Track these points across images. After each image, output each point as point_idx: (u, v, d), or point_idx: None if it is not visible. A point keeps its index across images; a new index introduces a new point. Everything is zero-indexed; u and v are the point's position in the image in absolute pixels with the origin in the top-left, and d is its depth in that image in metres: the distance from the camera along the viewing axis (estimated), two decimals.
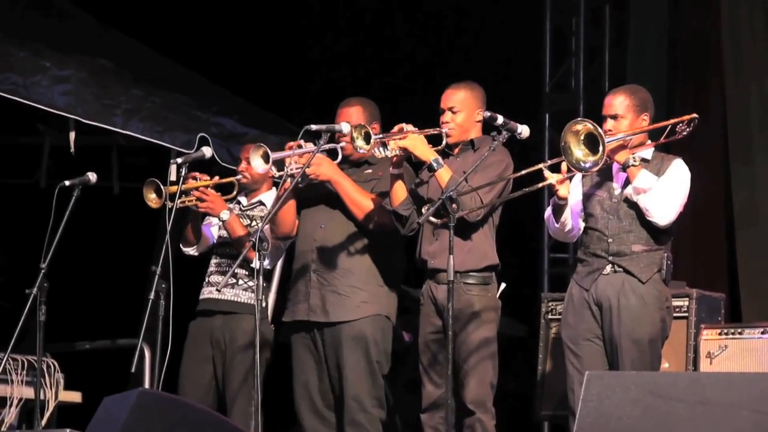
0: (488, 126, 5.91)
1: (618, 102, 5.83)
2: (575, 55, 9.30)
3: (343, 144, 6.06)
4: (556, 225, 5.88)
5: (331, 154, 6.17)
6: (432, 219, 5.63)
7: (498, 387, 5.99)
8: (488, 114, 5.82)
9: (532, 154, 8.06)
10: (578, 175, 5.85)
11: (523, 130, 5.79)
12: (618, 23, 9.25)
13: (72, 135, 7.35)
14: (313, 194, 6.22)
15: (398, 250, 6.19)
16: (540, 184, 5.71)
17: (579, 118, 5.59)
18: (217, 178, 6.57)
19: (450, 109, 6.04)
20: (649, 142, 5.89)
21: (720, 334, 6.77)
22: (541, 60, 9.35)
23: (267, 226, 6.02)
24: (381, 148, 5.88)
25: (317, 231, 6.19)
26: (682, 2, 8.95)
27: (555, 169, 5.71)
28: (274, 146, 6.24)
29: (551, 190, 5.75)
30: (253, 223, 6.56)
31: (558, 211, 5.83)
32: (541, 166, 5.72)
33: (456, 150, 6.07)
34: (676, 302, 6.85)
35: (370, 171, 6.23)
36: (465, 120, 6.05)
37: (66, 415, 6.92)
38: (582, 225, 5.93)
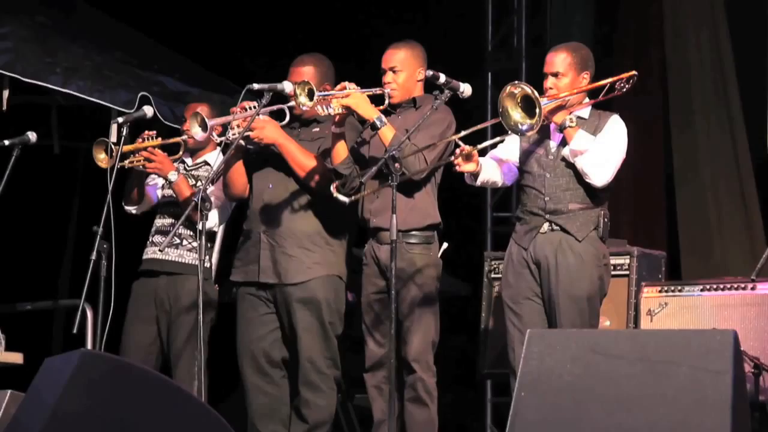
0: (430, 85, 5.90)
1: (559, 60, 5.82)
2: (517, 13, 9.29)
3: (292, 103, 6.04)
4: (477, 184, 5.91)
5: (280, 113, 6.14)
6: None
7: (440, 345, 6.01)
8: (430, 73, 5.81)
9: (475, 113, 8.08)
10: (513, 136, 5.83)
11: (465, 89, 5.80)
12: None
13: (5, 93, 7.27)
14: (262, 155, 6.20)
15: (346, 210, 6.19)
16: (452, 158, 5.72)
17: (515, 81, 5.58)
18: (161, 138, 6.53)
19: (391, 69, 6.03)
20: (587, 100, 5.89)
21: (660, 291, 6.83)
22: (483, 18, 9.34)
23: (210, 187, 5.99)
24: (324, 107, 5.87)
25: (266, 192, 6.18)
26: None
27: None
28: (217, 105, 6.21)
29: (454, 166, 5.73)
30: (198, 183, 6.53)
31: (474, 177, 5.84)
32: (455, 137, 5.72)
33: (398, 109, 6.06)
34: (617, 260, 6.92)
35: (317, 129, 6.22)
36: (406, 80, 6.04)
37: (7, 376, 6.87)
38: (511, 178, 5.95)
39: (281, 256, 6.08)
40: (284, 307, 6.09)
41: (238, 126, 5.95)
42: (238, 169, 6.19)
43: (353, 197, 5.77)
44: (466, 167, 5.74)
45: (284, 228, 6.11)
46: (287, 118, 6.14)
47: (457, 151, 5.69)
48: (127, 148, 6.14)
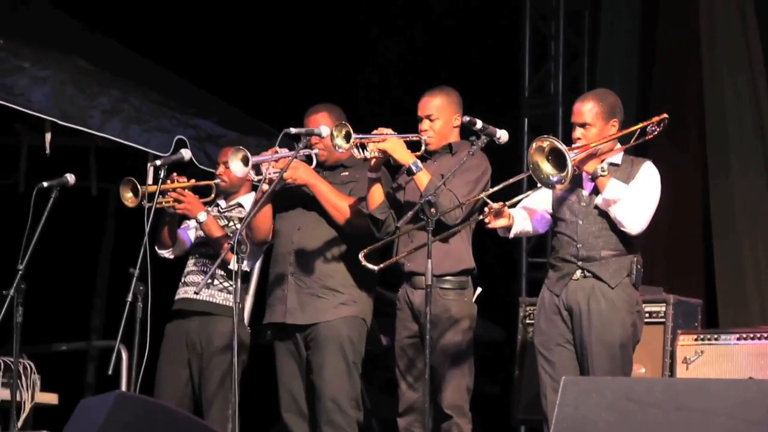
0: (466, 130, 5.91)
1: (586, 110, 5.81)
2: (554, 59, 9.31)
3: (317, 150, 6.08)
4: (510, 236, 5.91)
5: (307, 160, 6.19)
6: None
7: (475, 391, 6.00)
8: (467, 119, 5.83)
9: (512, 159, 8.09)
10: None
11: (502, 135, 5.81)
12: (597, 27, 9.28)
13: (48, 136, 7.33)
14: (290, 198, 6.22)
15: (377, 253, 6.20)
16: (481, 217, 5.76)
17: (543, 135, 5.58)
18: (193, 180, 6.57)
19: (428, 116, 6.06)
20: (619, 146, 5.88)
21: (696, 339, 6.79)
22: (520, 64, 9.37)
23: (245, 231, 6.02)
24: (360, 150, 5.89)
25: (294, 234, 6.20)
26: (655, 8, 8.99)
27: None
28: (253, 148, 6.24)
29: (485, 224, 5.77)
30: (231, 223, 6.56)
31: (506, 231, 5.85)
32: (482, 196, 5.75)
33: (434, 155, 6.08)
34: (653, 308, 6.89)
35: (346, 174, 6.25)
36: (443, 127, 6.06)
37: (42, 417, 6.90)
38: (543, 225, 5.94)
39: (308, 297, 6.11)
40: (310, 346, 6.10)
41: (272, 167, 5.98)
42: (266, 213, 6.22)
43: (382, 265, 5.75)
44: (498, 223, 5.75)
45: (312, 270, 6.14)
46: (314, 163, 6.17)
47: (486, 209, 5.69)
48: (154, 188, 6.18)
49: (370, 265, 5.75)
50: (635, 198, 5.71)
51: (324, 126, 5.98)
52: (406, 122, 6.12)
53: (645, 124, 5.81)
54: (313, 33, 9.80)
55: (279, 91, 9.57)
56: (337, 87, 6.41)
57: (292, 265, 6.17)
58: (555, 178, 5.49)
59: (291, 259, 6.18)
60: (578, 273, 5.76)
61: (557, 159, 5.48)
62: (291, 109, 6.49)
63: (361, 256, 5.76)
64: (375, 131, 5.93)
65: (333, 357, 6.05)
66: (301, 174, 6.10)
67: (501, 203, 5.71)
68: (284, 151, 6.01)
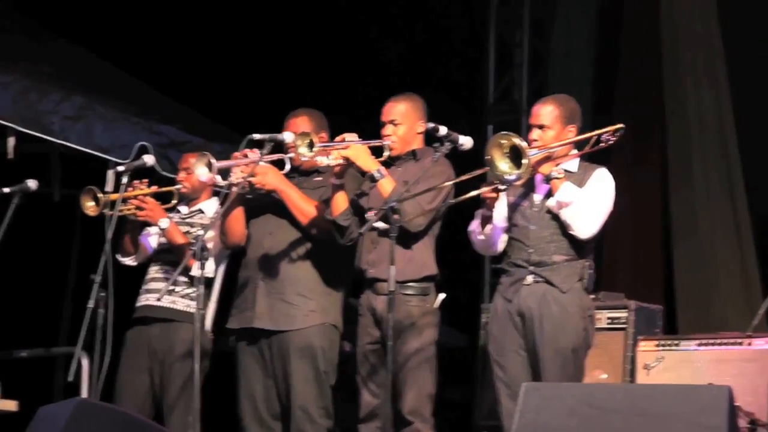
0: (431, 137, 5.94)
1: (546, 112, 5.84)
2: (519, 66, 9.35)
3: (292, 154, 6.08)
4: (480, 237, 5.90)
5: (280, 163, 6.19)
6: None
7: (437, 397, 6.00)
8: (430, 125, 5.86)
9: (476, 166, 8.11)
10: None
11: (466, 142, 5.84)
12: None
13: (11, 141, 7.30)
14: (261, 203, 6.23)
15: (346, 259, 6.21)
16: (481, 190, 5.72)
17: (503, 132, 5.61)
18: (155, 187, 6.56)
19: (391, 121, 6.07)
20: (575, 152, 5.90)
21: (657, 345, 6.82)
22: (485, 71, 9.40)
23: (208, 235, 6.01)
24: (324, 157, 5.90)
25: (265, 239, 6.20)
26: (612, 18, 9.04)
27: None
28: (218, 155, 6.24)
29: (483, 200, 5.75)
30: (193, 230, 6.56)
31: (485, 221, 5.83)
32: (465, 177, 5.74)
33: (398, 161, 6.10)
34: (615, 314, 6.93)
35: (320, 179, 6.26)
36: (407, 132, 6.08)
37: (1, 424, 6.85)
38: (503, 240, 5.93)
39: (278, 302, 6.10)
40: (279, 355, 6.09)
41: (240, 172, 5.99)
42: (237, 217, 6.22)
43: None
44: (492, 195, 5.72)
45: (283, 275, 6.13)
46: (287, 168, 6.17)
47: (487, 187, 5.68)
48: (115, 196, 6.17)
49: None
50: (587, 202, 5.72)
51: (288, 132, 5.97)
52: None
53: (601, 132, 5.84)
54: (302, 37, 9.79)
55: (268, 95, 9.55)
56: (303, 100, 6.41)
57: (262, 270, 6.17)
58: (511, 177, 5.51)
59: (261, 264, 6.18)
60: (530, 278, 5.78)
61: (515, 157, 5.50)
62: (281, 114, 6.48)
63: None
64: (338, 138, 5.95)
65: (304, 366, 6.06)
66: (270, 179, 6.09)
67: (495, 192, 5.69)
68: (255, 155, 6.01)
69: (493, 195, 5.71)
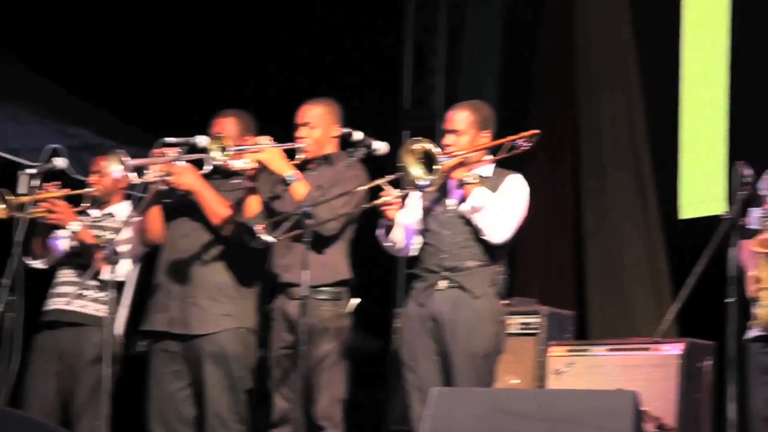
0: (345, 141, 5.94)
1: (460, 118, 5.88)
2: (434, 72, 9.39)
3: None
4: (387, 243, 5.92)
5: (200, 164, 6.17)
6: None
7: (350, 402, 6.01)
8: (345, 130, 5.88)
9: (391, 171, 8.12)
10: (417, 193, 5.86)
11: (380, 147, 5.86)
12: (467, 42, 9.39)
13: None
14: (177, 205, 6.19)
15: (260, 263, 6.20)
16: (376, 201, 5.73)
17: (416, 137, 5.64)
18: (68, 189, 6.50)
19: (306, 124, 6.07)
20: (489, 157, 5.93)
21: (568, 351, 6.88)
22: (401, 77, 9.43)
23: (120, 237, 5.97)
24: (237, 161, 5.89)
25: (180, 242, 6.17)
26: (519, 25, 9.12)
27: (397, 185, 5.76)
28: (132, 157, 6.19)
29: (380, 211, 5.74)
30: (104, 233, 6.51)
31: (387, 230, 5.85)
32: (380, 181, 5.76)
33: (312, 165, 6.10)
34: (527, 319, 6.99)
35: (237, 181, 6.23)
36: (321, 136, 6.08)
37: None
38: (416, 242, 5.94)
39: (191, 306, 6.07)
40: (193, 360, 6.06)
41: (158, 170, 5.95)
42: (155, 215, 6.17)
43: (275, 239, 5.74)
44: (390, 212, 5.73)
45: (196, 279, 6.10)
46: (207, 168, 6.14)
47: (388, 196, 5.68)
48: (25, 198, 6.11)
49: (270, 238, 5.69)
50: (500, 207, 5.75)
51: (201, 136, 5.96)
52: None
53: (515, 137, 5.87)
54: (216, 38, 9.72)
55: (182, 97, 9.47)
56: (216, 103, 6.40)
57: (176, 274, 6.13)
58: (424, 182, 5.54)
59: (175, 267, 6.14)
60: (443, 283, 5.79)
61: (428, 163, 5.53)
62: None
63: (261, 227, 5.70)
64: (251, 141, 5.94)
65: (217, 372, 6.03)
66: (186, 180, 6.05)
67: (397, 193, 5.70)
68: (171, 154, 5.97)
69: (395, 203, 5.72)
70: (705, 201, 7.84)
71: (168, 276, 6.16)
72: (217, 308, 6.07)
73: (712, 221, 5.34)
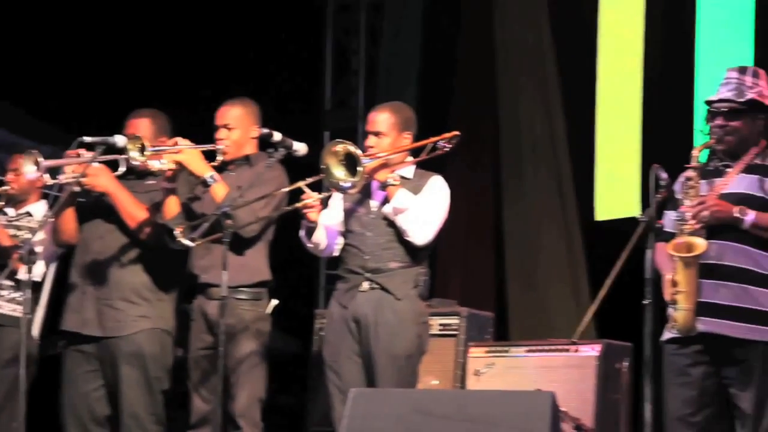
0: (265, 142, 5.93)
1: (381, 119, 5.89)
2: (355, 74, 9.40)
3: (126, 156, 6.02)
4: (309, 245, 5.92)
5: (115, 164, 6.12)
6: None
7: (269, 402, 6.01)
8: (265, 130, 5.87)
9: (311, 172, 8.11)
10: (339, 194, 5.87)
11: (300, 148, 5.86)
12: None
13: None
14: (91, 206, 6.14)
15: (177, 263, 6.16)
16: (297, 204, 5.73)
17: (338, 139, 5.65)
18: None
19: (225, 126, 6.06)
20: (411, 159, 5.95)
21: (487, 352, 6.91)
22: (322, 78, 9.42)
23: (36, 237, 5.91)
24: (156, 161, 5.86)
25: (95, 243, 6.12)
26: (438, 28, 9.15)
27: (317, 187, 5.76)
28: (48, 156, 6.14)
29: (302, 214, 5.75)
30: (20, 233, 6.45)
31: (309, 232, 5.86)
32: (300, 184, 5.76)
33: (232, 166, 6.08)
34: (446, 320, 7.01)
35: (153, 182, 6.19)
36: (240, 137, 6.07)
37: None
38: (339, 243, 5.95)
39: (106, 308, 6.03)
40: (109, 361, 6.02)
41: (72, 171, 5.90)
42: (69, 215, 6.11)
43: (195, 243, 5.71)
44: (312, 215, 5.73)
45: (111, 280, 6.06)
46: (122, 169, 6.10)
47: (302, 197, 5.68)
48: None
49: (187, 241, 5.67)
50: (423, 209, 5.77)
51: (119, 136, 5.91)
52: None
53: (436, 138, 5.90)
54: (135, 36, 9.66)
55: (101, 96, 9.40)
56: (137, 101, 6.36)
57: (91, 275, 6.09)
58: (347, 184, 5.55)
59: (90, 268, 6.10)
60: (366, 285, 5.79)
61: (350, 165, 5.54)
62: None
63: (178, 230, 5.68)
64: (170, 141, 5.92)
65: (133, 373, 5.99)
66: (101, 181, 6.01)
67: (317, 196, 5.70)
68: (86, 155, 5.92)
69: (314, 205, 5.72)
70: (619, 203, 7.92)
71: (83, 277, 6.11)
72: (133, 310, 6.04)
73: (631, 223, 5.39)
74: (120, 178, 6.06)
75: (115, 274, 6.07)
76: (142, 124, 6.14)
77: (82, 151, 5.91)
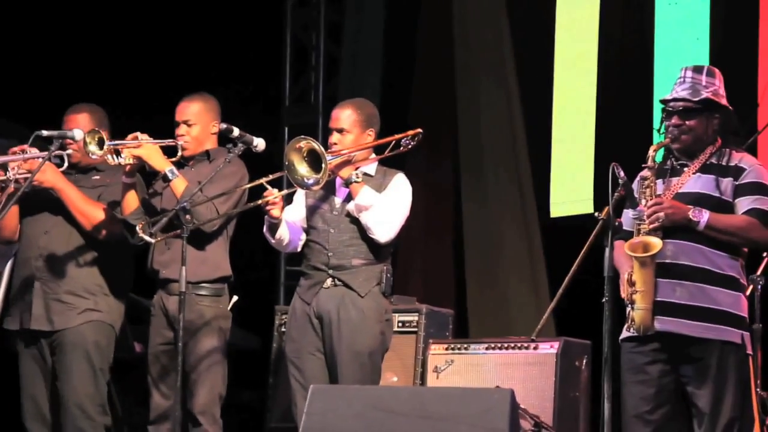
0: (224, 138, 5.92)
1: (344, 116, 5.89)
2: (315, 69, 9.39)
3: (70, 151, 6.00)
4: (273, 240, 5.91)
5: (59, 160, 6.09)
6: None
7: (229, 399, 6.00)
8: (224, 126, 5.86)
9: (271, 167, 8.10)
10: (302, 190, 5.87)
11: (259, 143, 5.86)
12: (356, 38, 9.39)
13: None
14: (37, 201, 6.10)
15: (127, 259, 6.14)
16: (259, 201, 5.73)
17: (301, 136, 5.65)
18: None
19: (185, 121, 6.06)
20: (374, 156, 5.97)
21: (447, 349, 6.91)
22: (281, 73, 9.41)
23: None
24: (114, 156, 5.84)
25: (41, 237, 6.09)
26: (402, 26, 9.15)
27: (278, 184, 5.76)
28: (3, 150, 6.10)
29: (265, 211, 5.75)
30: None
31: (273, 228, 5.85)
32: (263, 181, 5.76)
33: (191, 161, 6.07)
34: (406, 317, 7.00)
35: (98, 178, 6.17)
36: (200, 132, 6.06)
37: None
38: (302, 239, 5.95)
39: (54, 302, 6.02)
40: (56, 353, 6.00)
41: (18, 167, 5.87)
42: (12, 213, 6.08)
43: (155, 239, 5.69)
44: (275, 211, 5.72)
45: (58, 275, 6.05)
46: (65, 164, 6.06)
47: (264, 194, 5.68)
48: None
49: (147, 237, 5.66)
50: (386, 206, 5.79)
51: (77, 129, 5.90)
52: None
53: (400, 136, 5.93)
54: (91, 30, 9.61)
55: (55, 89, 9.34)
56: (95, 94, 6.31)
57: (39, 270, 6.06)
58: (310, 181, 5.57)
59: (37, 263, 6.07)
60: (329, 281, 5.81)
61: (314, 161, 5.55)
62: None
63: (139, 227, 5.67)
64: (130, 136, 5.90)
65: (78, 363, 5.98)
66: (49, 177, 5.98)
67: (279, 194, 5.69)
68: (34, 151, 5.89)
69: (277, 202, 5.72)
70: (573, 201, 7.95)
71: (30, 273, 6.09)
72: (80, 304, 6.03)
73: (590, 221, 5.42)
74: (63, 173, 6.04)
75: (62, 268, 6.05)
76: (81, 119, 6.11)
77: (26, 146, 5.87)
